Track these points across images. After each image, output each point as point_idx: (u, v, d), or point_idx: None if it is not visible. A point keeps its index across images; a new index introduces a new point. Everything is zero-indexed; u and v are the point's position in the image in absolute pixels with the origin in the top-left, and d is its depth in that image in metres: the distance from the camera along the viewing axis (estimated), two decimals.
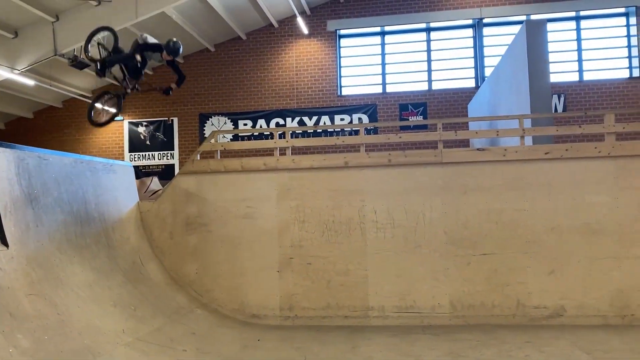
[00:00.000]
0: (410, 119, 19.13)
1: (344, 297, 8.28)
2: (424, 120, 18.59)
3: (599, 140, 8.35)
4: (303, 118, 19.60)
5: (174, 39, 7.88)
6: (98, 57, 7.92)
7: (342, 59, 20.14)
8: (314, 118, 19.66)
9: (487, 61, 19.47)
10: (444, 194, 8.38)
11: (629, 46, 18.99)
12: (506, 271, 8.04)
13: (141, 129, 20.47)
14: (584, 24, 19.47)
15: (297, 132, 17.80)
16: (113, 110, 8.29)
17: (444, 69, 19.92)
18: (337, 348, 6.83)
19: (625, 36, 19.10)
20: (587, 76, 19.07)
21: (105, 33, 8.07)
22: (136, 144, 20.50)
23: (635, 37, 18.74)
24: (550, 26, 18.77)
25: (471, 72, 19.80)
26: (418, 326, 7.86)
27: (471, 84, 19.39)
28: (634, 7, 18.78)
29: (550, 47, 18.95)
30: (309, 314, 8.28)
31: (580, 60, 19.25)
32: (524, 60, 9.82)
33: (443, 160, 8.49)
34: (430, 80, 19.86)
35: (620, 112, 8.54)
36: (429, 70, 19.94)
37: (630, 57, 18.95)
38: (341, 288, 8.32)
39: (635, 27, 18.79)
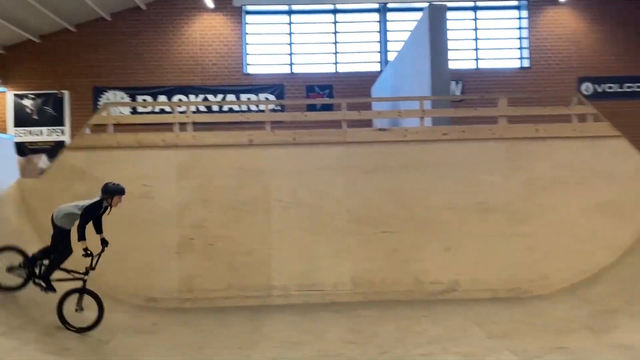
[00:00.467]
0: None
1: (247, 277, 8.11)
2: (329, 99, 18.69)
3: (493, 124, 8.79)
4: (207, 96, 18.93)
5: (108, 182, 6.38)
6: (22, 281, 6.23)
7: (248, 36, 19.65)
8: (219, 96, 19.06)
9: (391, 46, 19.90)
10: (348, 173, 8.42)
11: (521, 38, 20.22)
12: (405, 248, 8.27)
13: (27, 102, 18.76)
14: (480, 14, 20.43)
15: (200, 109, 17.19)
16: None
17: (350, 52, 20.11)
18: (239, 329, 6.67)
19: (517, 28, 20.30)
20: (483, 64, 20.11)
21: (7, 254, 6.32)
22: (22, 119, 18.75)
23: (526, 30, 19.98)
24: (450, 15, 19.52)
25: (376, 56, 20.16)
26: (321, 304, 7.89)
27: (376, 67, 19.71)
28: (526, 1, 19.99)
29: (450, 35, 19.74)
30: (210, 295, 8.02)
31: (477, 49, 20.24)
32: (426, 43, 10.05)
33: (347, 140, 8.52)
34: (336, 63, 19.97)
35: (512, 96, 9.08)
36: (336, 53, 20.04)
37: (521, 48, 20.19)
38: (244, 268, 8.14)
39: (526, 20, 20.02)
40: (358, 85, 18.83)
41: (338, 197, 8.35)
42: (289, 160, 8.41)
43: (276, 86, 19.26)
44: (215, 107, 18.05)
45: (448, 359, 5.45)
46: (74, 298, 6.14)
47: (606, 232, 8.21)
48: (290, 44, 19.90)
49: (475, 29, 20.32)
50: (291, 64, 19.74)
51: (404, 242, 8.27)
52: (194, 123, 8.66)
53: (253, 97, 19.06)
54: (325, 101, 18.38)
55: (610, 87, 19.55)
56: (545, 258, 8.16)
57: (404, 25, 19.65)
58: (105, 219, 6.41)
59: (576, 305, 7.31)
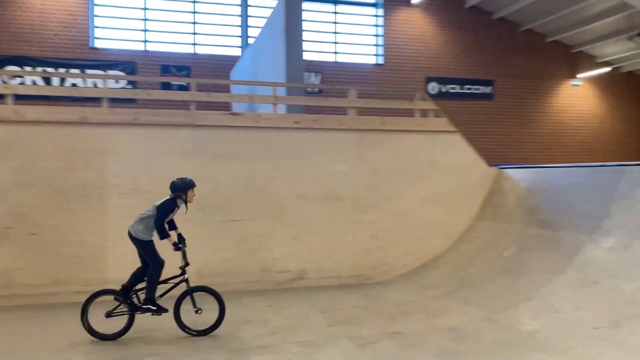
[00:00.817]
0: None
1: (77, 271, 7.31)
2: (180, 79, 17.85)
3: (344, 115, 8.91)
4: (47, 69, 17.02)
5: (174, 180, 5.83)
6: (127, 318, 5.70)
7: (96, 7, 18.00)
8: (62, 70, 17.24)
9: (252, 31, 19.57)
10: (196, 158, 7.97)
11: (377, 35, 21.09)
12: (254, 237, 8.07)
13: None
14: (340, 8, 20.92)
15: (39, 84, 15.36)
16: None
17: (210, 34, 19.41)
18: (61, 329, 5.95)
19: (374, 25, 21.13)
20: (341, 58, 20.65)
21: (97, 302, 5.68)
22: None
23: (382, 28, 20.87)
24: (310, 6, 19.72)
25: (237, 41, 19.70)
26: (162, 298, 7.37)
27: (237, 52, 19.27)
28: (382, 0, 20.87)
29: (311, 27, 19.94)
30: (32, 291, 7.11)
31: (336, 43, 20.71)
32: (281, 30, 9.91)
33: (195, 123, 8.06)
34: (195, 44, 19.16)
35: (360, 89, 9.27)
36: (194, 34, 19.21)
37: (377, 45, 21.07)
38: (74, 261, 7.33)
39: (382, 19, 20.91)
40: (217, 69, 18.27)
41: None
42: (129, 142, 7.73)
43: (127, 63, 17.94)
44: (56, 83, 16.26)
45: (287, 348, 5.34)
46: (187, 302, 5.77)
47: (442, 220, 8.77)
48: (145, 19, 18.66)
49: (335, 23, 20.77)
50: (145, 41, 18.53)
51: (253, 231, 8.07)
52: (17, 96, 7.60)
53: (100, 73, 17.55)
54: (176, 80, 17.52)
55: (453, 88, 21.24)
56: (387, 245, 8.49)
57: (264, 12, 19.44)
58: None
59: (413, 290, 7.69)
